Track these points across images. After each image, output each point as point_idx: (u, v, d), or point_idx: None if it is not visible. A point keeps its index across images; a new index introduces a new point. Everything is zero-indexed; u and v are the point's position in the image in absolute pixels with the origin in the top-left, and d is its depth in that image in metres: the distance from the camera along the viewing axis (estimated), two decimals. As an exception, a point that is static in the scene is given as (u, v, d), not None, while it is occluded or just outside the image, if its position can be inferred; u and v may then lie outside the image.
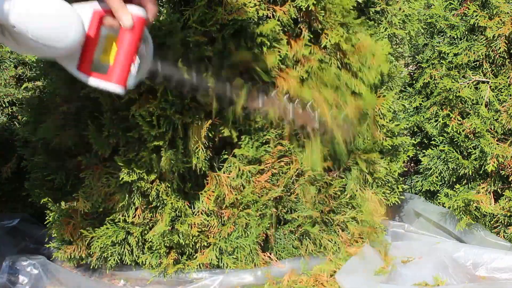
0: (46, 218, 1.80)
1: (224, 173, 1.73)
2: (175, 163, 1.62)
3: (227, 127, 1.66)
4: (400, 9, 1.88)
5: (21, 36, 1.06)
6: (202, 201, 1.73)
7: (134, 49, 1.16)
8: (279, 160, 1.76)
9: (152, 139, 1.59)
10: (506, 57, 2.11)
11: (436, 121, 2.32)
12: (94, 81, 1.17)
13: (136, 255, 1.80)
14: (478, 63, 2.16)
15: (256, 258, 1.83)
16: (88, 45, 1.15)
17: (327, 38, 1.66)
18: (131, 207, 1.72)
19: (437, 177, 2.30)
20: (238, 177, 1.71)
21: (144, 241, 1.77)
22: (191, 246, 1.78)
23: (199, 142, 1.64)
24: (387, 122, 1.87)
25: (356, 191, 1.92)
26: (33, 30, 1.05)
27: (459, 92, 2.15)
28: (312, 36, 1.68)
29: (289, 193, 1.82)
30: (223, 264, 1.80)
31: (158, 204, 1.71)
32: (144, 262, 1.80)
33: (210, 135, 1.65)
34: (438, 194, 2.33)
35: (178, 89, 1.42)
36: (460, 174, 2.20)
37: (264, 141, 1.72)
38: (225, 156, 1.75)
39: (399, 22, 1.87)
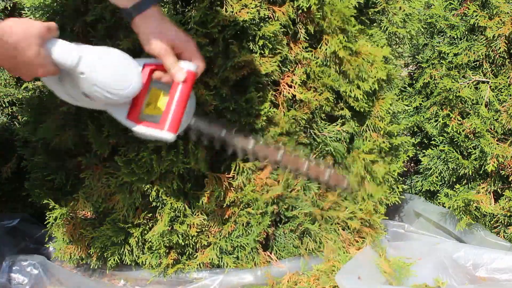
0: (46, 218, 1.80)
1: (223, 172, 1.73)
2: (175, 163, 1.62)
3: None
4: (400, 8, 1.88)
5: (85, 83, 1.12)
6: (202, 201, 1.73)
7: (185, 100, 1.23)
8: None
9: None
10: (506, 57, 2.11)
11: (436, 121, 2.32)
12: (144, 129, 1.23)
13: (136, 255, 1.80)
14: (478, 63, 2.16)
15: (256, 257, 1.83)
16: (138, 96, 1.21)
17: (327, 44, 1.66)
18: (131, 207, 1.72)
19: (437, 177, 2.30)
20: (238, 175, 1.71)
21: (144, 241, 1.77)
22: (191, 246, 1.78)
23: (199, 142, 1.64)
24: (385, 124, 1.87)
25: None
26: (102, 77, 1.11)
27: (459, 92, 2.15)
28: (308, 38, 1.68)
29: (289, 190, 1.82)
30: (224, 263, 1.80)
31: (158, 204, 1.71)
32: (144, 262, 1.80)
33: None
34: (438, 194, 2.33)
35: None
36: (460, 174, 2.20)
37: (264, 139, 1.72)
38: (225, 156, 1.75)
39: (400, 21, 1.87)
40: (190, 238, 1.75)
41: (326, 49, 1.66)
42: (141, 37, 1.20)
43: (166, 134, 1.22)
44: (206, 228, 1.77)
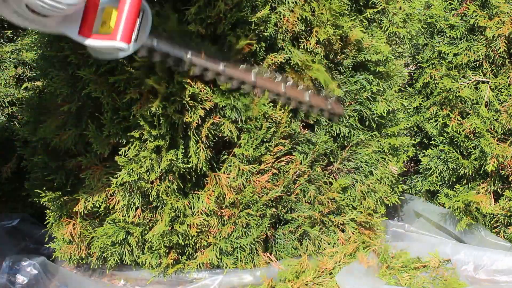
0: (46, 218, 1.80)
1: (224, 173, 1.73)
2: (175, 163, 1.62)
3: (227, 126, 1.66)
4: (400, 8, 1.88)
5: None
6: (202, 201, 1.73)
7: (136, 8, 1.22)
8: (279, 160, 1.76)
9: (152, 139, 1.59)
10: (506, 57, 2.11)
11: (436, 121, 2.32)
12: (97, 42, 1.22)
13: (136, 255, 1.80)
14: (478, 63, 2.16)
15: (256, 258, 1.83)
16: (88, 12, 1.21)
17: (317, 36, 1.68)
18: (131, 207, 1.72)
19: (437, 177, 2.30)
20: (238, 177, 1.71)
21: (144, 241, 1.77)
22: (191, 246, 1.78)
23: (200, 142, 1.64)
24: (384, 121, 1.88)
25: (355, 189, 1.93)
26: None
27: (459, 92, 2.15)
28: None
29: (289, 193, 1.82)
30: (223, 264, 1.80)
31: (158, 204, 1.71)
32: (144, 262, 1.80)
33: (210, 135, 1.65)
34: (438, 194, 2.33)
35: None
36: (460, 174, 2.20)
37: (264, 139, 1.72)
38: (225, 156, 1.75)
39: (400, 21, 1.87)
40: (190, 238, 1.75)
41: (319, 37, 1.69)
42: None
43: (120, 44, 1.22)
44: (206, 229, 1.77)
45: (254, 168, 1.72)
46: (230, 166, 1.73)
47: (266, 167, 1.74)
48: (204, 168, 1.68)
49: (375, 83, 1.84)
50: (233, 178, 1.71)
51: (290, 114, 1.73)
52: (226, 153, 1.76)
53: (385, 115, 1.89)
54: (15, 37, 2.40)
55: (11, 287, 1.78)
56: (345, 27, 1.72)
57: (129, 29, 1.23)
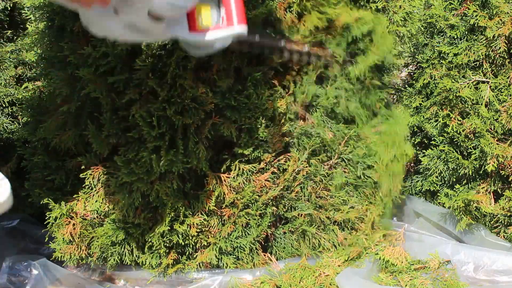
0: (46, 218, 1.80)
1: (224, 172, 1.73)
2: (175, 163, 1.62)
3: (227, 127, 1.66)
4: (400, 6, 1.88)
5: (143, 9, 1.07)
6: (202, 201, 1.73)
7: None
8: (278, 158, 1.77)
9: (152, 139, 1.59)
10: (506, 57, 2.11)
11: (436, 121, 2.32)
12: (216, 34, 1.20)
13: (136, 255, 1.80)
14: (478, 63, 2.16)
15: (256, 258, 1.83)
16: (192, 9, 1.18)
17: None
18: (131, 207, 1.72)
19: (437, 177, 2.30)
20: (239, 176, 1.71)
21: (144, 241, 1.77)
22: (191, 246, 1.78)
23: (200, 142, 1.64)
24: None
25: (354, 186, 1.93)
26: None
27: (459, 92, 2.15)
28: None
29: (289, 191, 1.82)
30: (223, 264, 1.80)
31: (158, 204, 1.71)
32: (144, 262, 1.80)
33: (209, 136, 1.66)
34: (438, 194, 2.33)
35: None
36: (460, 174, 2.20)
37: (264, 139, 1.72)
38: (225, 156, 1.75)
39: (400, 20, 1.88)
40: (190, 238, 1.75)
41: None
42: None
43: (240, 28, 1.21)
44: (206, 228, 1.77)
45: (255, 167, 1.72)
46: (230, 166, 1.73)
47: (266, 165, 1.74)
48: (204, 169, 1.68)
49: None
50: (233, 177, 1.71)
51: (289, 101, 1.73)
52: (226, 153, 1.76)
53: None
54: (15, 37, 2.40)
55: (11, 287, 1.78)
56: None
57: (242, 12, 1.21)
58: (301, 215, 1.84)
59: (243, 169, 1.70)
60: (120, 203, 1.70)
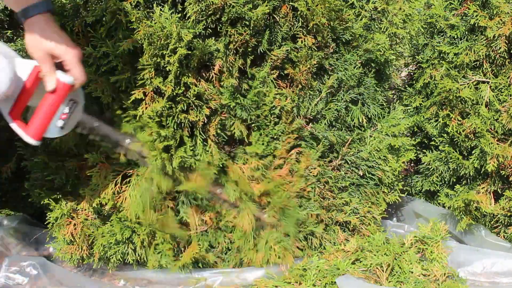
0: (46, 218, 1.80)
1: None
2: (184, 161, 1.62)
3: (237, 126, 1.66)
4: (400, 8, 1.88)
5: None
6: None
7: (53, 110, 1.34)
8: (290, 154, 1.77)
9: (162, 139, 1.59)
10: (506, 57, 2.11)
11: (436, 121, 2.32)
12: (16, 129, 1.35)
13: (138, 254, 1.80)
14: (478, 63, 2.16)
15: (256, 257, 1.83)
16: (23, 94, 1.30)
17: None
18: (139, 206, 1.71)
19: (437, 177, 2.30)
20: (255, 170, 1.71)
21: (148, 240, 1.77)
22: (193, 245, 1.78)
23: (209, 139, 1.64)
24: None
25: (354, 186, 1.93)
26: None
27: (459, 92, 2.15)
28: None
29: (302, 190, 1.82)
30: (226, 263, 1.80)
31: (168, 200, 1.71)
32: (145, 262, 1.80)
33: (219, 131, 1.66)
34: (438, 194, 2.34)
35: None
36: (460, 174, 2.20)
37: (274, 136, 1.72)
38: (238, 152, 1.75)
39: (400, 22, 1.88)
40: (194, 236, 1.74)
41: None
42: (26, 41, 1.29)
43: (30, 140, 1.34)
44: (210, 227, 1.77)
45: (271, 162, 1.73)
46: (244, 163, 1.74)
47: (281, 160, 1.74)
48: (219, 163, 1.68)
49: None
50: (252, 169, 1.72)
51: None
52: (238, 150, 1.75)
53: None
54: (15, 37, 2.40)
55: (11, 287, 1.78)
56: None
57: (41, 129, 1.34)
58: (311, 215, 1.85)
59: (257, 165, 1.71)
60: (128, 200, 1.70)
